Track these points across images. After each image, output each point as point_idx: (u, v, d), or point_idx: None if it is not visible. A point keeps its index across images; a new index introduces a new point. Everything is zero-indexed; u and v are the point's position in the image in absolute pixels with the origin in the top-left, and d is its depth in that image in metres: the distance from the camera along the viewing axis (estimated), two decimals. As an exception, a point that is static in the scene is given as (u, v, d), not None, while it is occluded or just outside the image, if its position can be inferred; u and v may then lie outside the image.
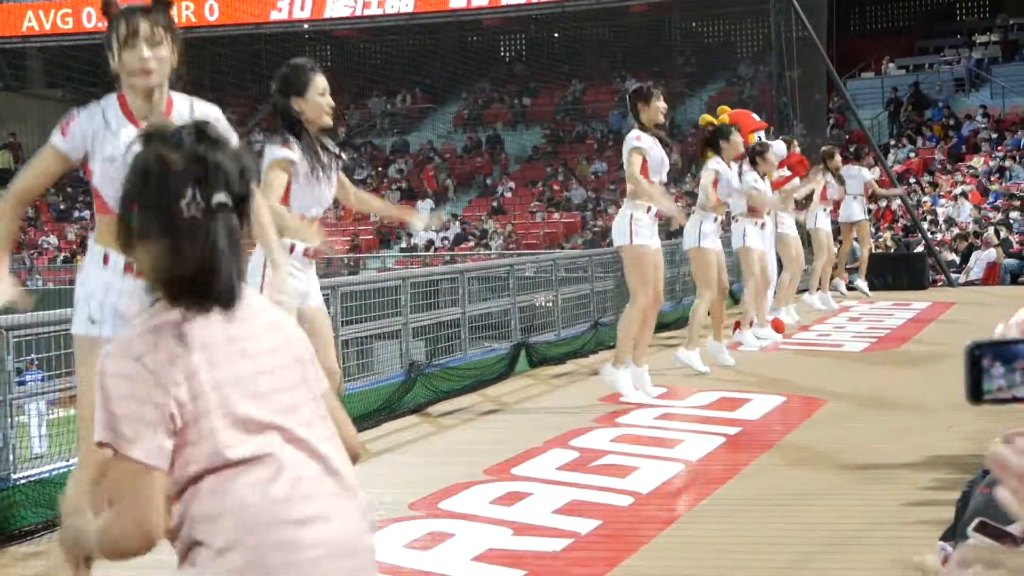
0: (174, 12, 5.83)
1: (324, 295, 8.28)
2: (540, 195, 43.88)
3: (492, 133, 47.98)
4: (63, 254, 43.24)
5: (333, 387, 4.01)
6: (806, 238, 19.67)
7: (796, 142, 19.34)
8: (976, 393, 2.23)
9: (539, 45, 50.22)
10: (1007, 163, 34.94)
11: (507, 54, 52.29)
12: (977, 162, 36.01)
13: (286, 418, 3.17)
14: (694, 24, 48.16)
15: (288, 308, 6.49)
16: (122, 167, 5.04)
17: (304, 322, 6.75)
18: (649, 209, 11.71)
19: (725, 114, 15.62)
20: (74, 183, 45.02)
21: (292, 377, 3.24)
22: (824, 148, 20.37)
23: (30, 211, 46.79)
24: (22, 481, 8.26)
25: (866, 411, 11.28)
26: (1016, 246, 27.31)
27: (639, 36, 46.60)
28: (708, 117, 16.08)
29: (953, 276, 25.93)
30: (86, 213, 43.05)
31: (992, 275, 26.02)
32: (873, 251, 22.42)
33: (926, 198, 34.10)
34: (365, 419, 11.06)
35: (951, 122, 39.11)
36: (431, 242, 42.12)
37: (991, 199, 32.85)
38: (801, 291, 19.51)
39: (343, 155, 7.72)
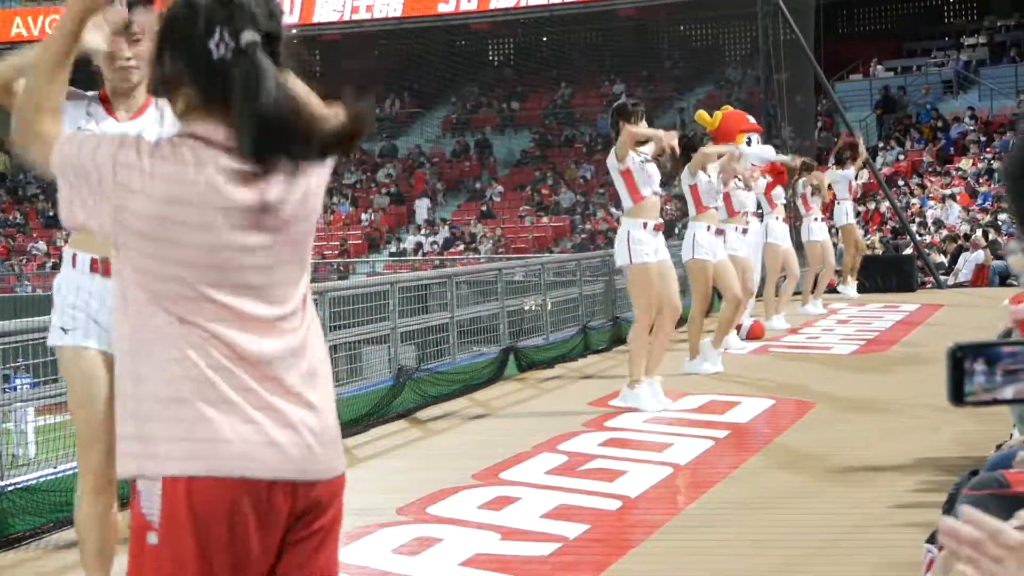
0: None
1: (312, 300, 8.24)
2: (529, 199, 43.88)
3: (481, 137, 47.96)
4: (52, 260, 43.15)
5: None
6: (800, 249, 19.74)
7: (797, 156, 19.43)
8: (958, 395, 2.23)
9: (527, 49, 50.20)
10: (995, 165, 34.96)
11: (495, 58, 52.27)
12: (965, 164, 36.05)
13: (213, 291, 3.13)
14: (682, 28, 48.14)
15: None
16: None
17: None
18: (646, 224, 11.71)
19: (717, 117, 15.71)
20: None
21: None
22: (802, 160, 20.38)
23: (19, 217, 46.76)
24: (10, 488, 8.24)
25: (854, 414, 11.29)
26: (1004, 248, 27.33)
27: (627, 40, 46.60)
28: (704, 114, 16.12)
29: (942, 278, 25.97)
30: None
31: (981, 277, 26.03)
32: (859, 254, 22.37)
33: (915, 200, 34.15)
34: (354, 424, 11.05)
35: (939, 124, 39.14)
36: (419, 245, 42.11)
37: (979, 201, 32.89)
38: (796, 294, 19.58)
39: None
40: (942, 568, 2.41)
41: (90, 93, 5.77)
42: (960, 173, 35.58)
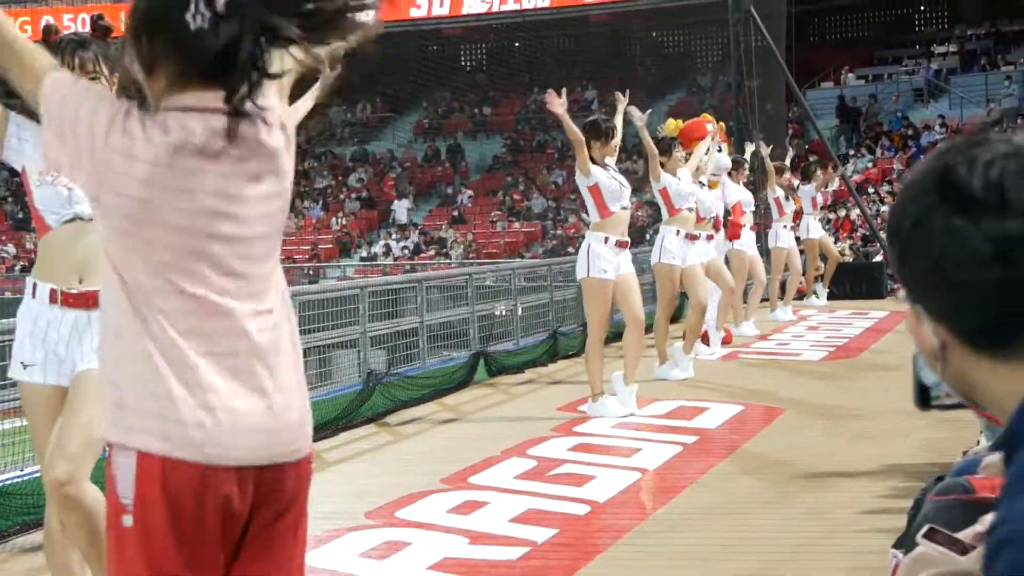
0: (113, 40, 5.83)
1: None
2: (500, 204, 43.89)
3: (452, 142, 47.96)
4: (21, 263, 43.00)
5: None
6: (766, 255, 19.81)
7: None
8: (923, 399, 2.25)
9: (500, 54, 50.21)
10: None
11: (467, 63, 52.30)
12: (935, 172, 36.15)
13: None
14: (654, 34, 48.23)
15: None
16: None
17: None
18: (607, 239, 11.73)
19: (677, 125, 15.77)
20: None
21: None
22: (773, 164, 20.43)
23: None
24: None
25: (823, 420, 11.32)
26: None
27: (600, 46, 46.67)
28: (673, 122, 16.17)
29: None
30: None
31: (950, 285, 26.11)
32: (834, 263, 22.39)
33: (884, 208, 34.25)
34: (323, 428, 11.03)
35: (910, 132, 39.28)
36: (389, 248, 42.06)
37: (949, 209, 32.98)
38: (764, 300, 19.63)
39: None
40: (906, 574, 2.42)
41: None
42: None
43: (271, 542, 3.26)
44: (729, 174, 18.30)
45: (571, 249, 36.10)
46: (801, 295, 21.73)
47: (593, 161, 11.81)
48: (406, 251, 42.02)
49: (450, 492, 8.80)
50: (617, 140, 12.10)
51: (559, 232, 40.36)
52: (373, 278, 20.04)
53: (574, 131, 11.83)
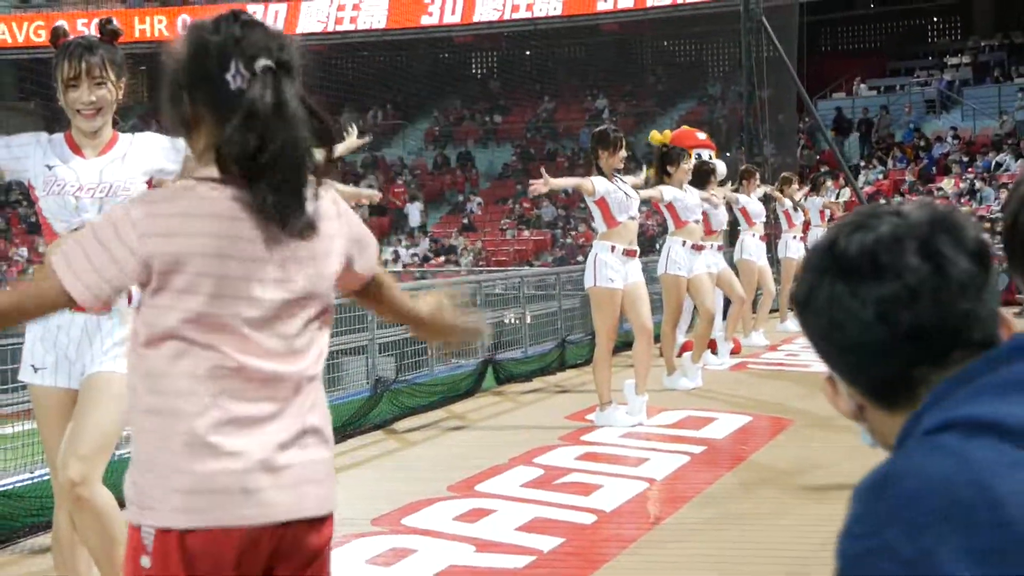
0: (120, 45, 5.84)
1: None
2: (510, 212, 43.91)
3: (463, 150, 48.00)
4: (34, 266, 43.06)
5: None
6: (776, 265, 19.80)
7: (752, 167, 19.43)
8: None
9: (511, 63, 50.26)
10: (977, 185, 35.05)
11: (479, 71, 52.35)
12: (948, 184, 36.12)
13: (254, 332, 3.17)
14: (665, 43, 48.28)
15: None
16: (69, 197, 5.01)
17: None
18: (614, 248, 11.72)
19: (665, 137, 15.76)
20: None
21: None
22: (783, 175, 20.43)
23: (1, 223, 46.68)
24: (-12, 493, 8.23)
25: (831, 431, 11.29)
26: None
27: (610, 55, 46.70)
28: (657, 135, 16.14)
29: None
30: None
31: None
32: None
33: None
34: (330, 434, 11.01)
35: (922, 143, 39.24)
36: (398, 255, 42.10)
37: (960, 221, 32.91)
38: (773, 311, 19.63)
39: None
40: None
41: (54, 136, 5.80)
42: (942, 193, 35.64)
43: None
44: (740, 183, 18.33)
45: (580, 258, 36.11)
46: None
47: (600, 171, 11.80)
48: (416, 258, 42.03)
49: (457, 500, 8.80)
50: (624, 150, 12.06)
51: (568, 241, 40.36)
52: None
53: (570, 185, 11.89)
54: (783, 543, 7.66)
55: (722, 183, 17.11)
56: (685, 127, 17.78)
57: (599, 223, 11.88)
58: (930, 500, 1.73)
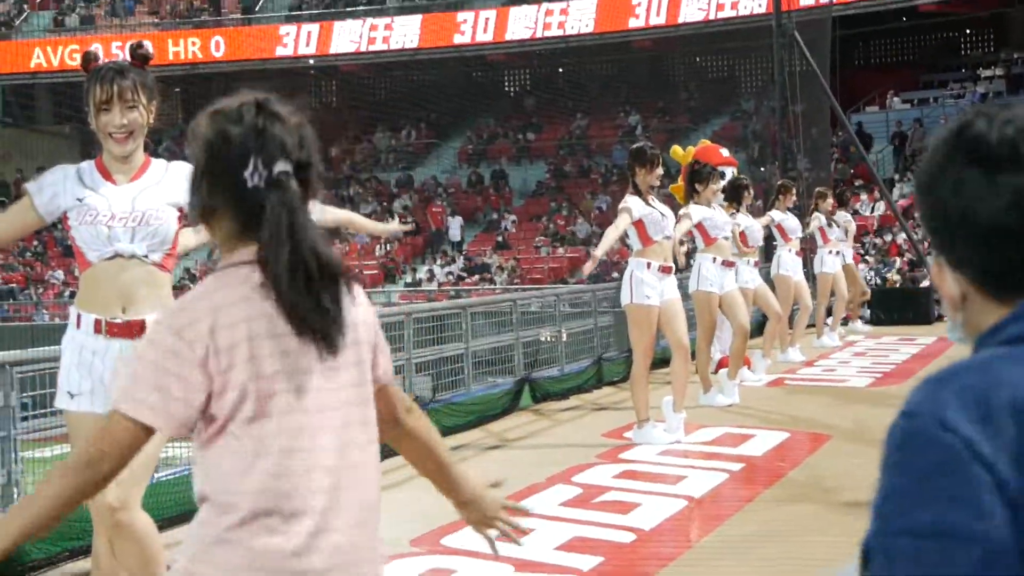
0: (150, 69, 5.87)
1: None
2: (544, 230, 43.91)
3: (497, 168, 48.05)
4: (70, 288, 43.26)
5: None
6: (812, 280, 19.75)
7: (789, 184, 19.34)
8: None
9: (543, 80, 50.34)
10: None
11: (511, 89, 52.40)
12: (982, 196, 35.97)
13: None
14: (697, 59, 48.25)
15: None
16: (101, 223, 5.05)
17: None
18: (650, 265, 11.71)
19: (689, 154, 15.75)
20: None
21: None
22: (817, 190, 20.39)
23: (37, 246, 46.91)
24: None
25: (870, 447, 11.23)
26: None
27: (643, 71, 46.72)
28: (677, 149, 16.14)
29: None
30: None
31: (997, 310, 25.95)
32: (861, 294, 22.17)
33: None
34: (368, 455, 11.02)
35: (956, 156, 39.09)
36: (433, 273, 42.16)
37: (997, 233, 32.77)
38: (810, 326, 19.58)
39: None
40: None
41: (83, 164, 5.82)
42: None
43: None
44: (776, 199, 18.31)
45: (616, 275, 36.09)
46: (847, 320, 21.66)
47: (637, 188, 11.79)
48: (451, 277, 42.07)
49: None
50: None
51: (603, 258, 40.31)
52: (418, 304, 20.06)
53: (614, 238, 11.85)
54: (823, 560, 7.64)
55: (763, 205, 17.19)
56: (708, 143, 17.75)
57: (635, 241, 11.86)
58: (995, 396, 1.80)
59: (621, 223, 11.74)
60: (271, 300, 3.11)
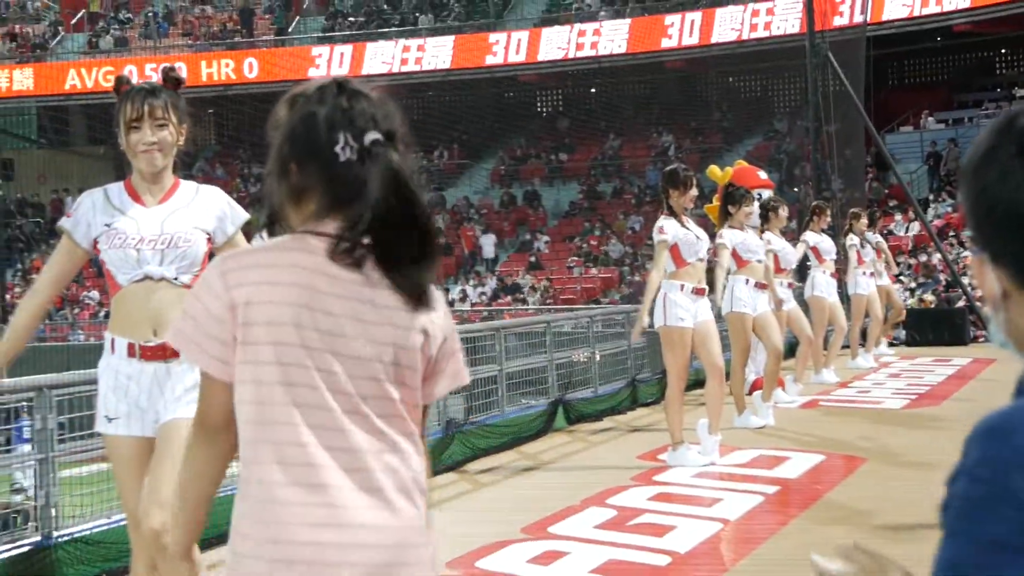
0: (181, 91, 5.88)
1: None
2: (577, 250, 43.91)
3: (529, 188, 48.07)
4: (105, 309, 43.41)
5: None
6: (846, 301, 19.70)
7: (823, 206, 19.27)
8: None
9: (576, 101, 50.35)
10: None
11: (544, 109, 52.44)
12: (1017, 216, 35.83)
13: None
14: (730, 79, 48.21)
15: None
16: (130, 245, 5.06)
17: None
18: (683, 287, 11.70)
19: (727, 175, 15.70)
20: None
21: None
22: (851, 211, 20.35)
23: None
24: (64, 538, 8.28)
25: (906, 469, 11.22)
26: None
27: (675, 91, 46.70)
28: (715, 169, 16.10)
29: (994, 331, 25.74)
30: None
31: (1033, 330, 25.84)
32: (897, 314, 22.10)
33: (966, 253, 33.97)
34: (403, 477, 11.02)
35: (991, 176, 38.97)
36: (465, 294, 42.18)
37: (1032, 253, 32.63)
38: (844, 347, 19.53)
39: None
40: None
41: (111, 186, 5.85)
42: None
43: None
44: (811, 220, 18.28)
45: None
46: (890, 343, 21.65)
47: (671, 210, 11.78)
48: (483, 297, 42.10)
49: (530, 542, 8.78)
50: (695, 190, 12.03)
51: (636, 278, 40.30)
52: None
53: (656, 284, 11.82)
54: (860, 584, 7.59)
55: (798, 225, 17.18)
56: (744, 164, 17.69)
57: (668, 264, 11.85)
58: None
59: (661, 262, 11.74)
60: (324, 275, 3.11)
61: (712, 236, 13.36)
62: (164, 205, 5.78)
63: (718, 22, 43.61)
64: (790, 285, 15.87)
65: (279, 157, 3.22)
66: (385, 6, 52.23)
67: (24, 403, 8.68)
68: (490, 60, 46.67)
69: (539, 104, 52.30)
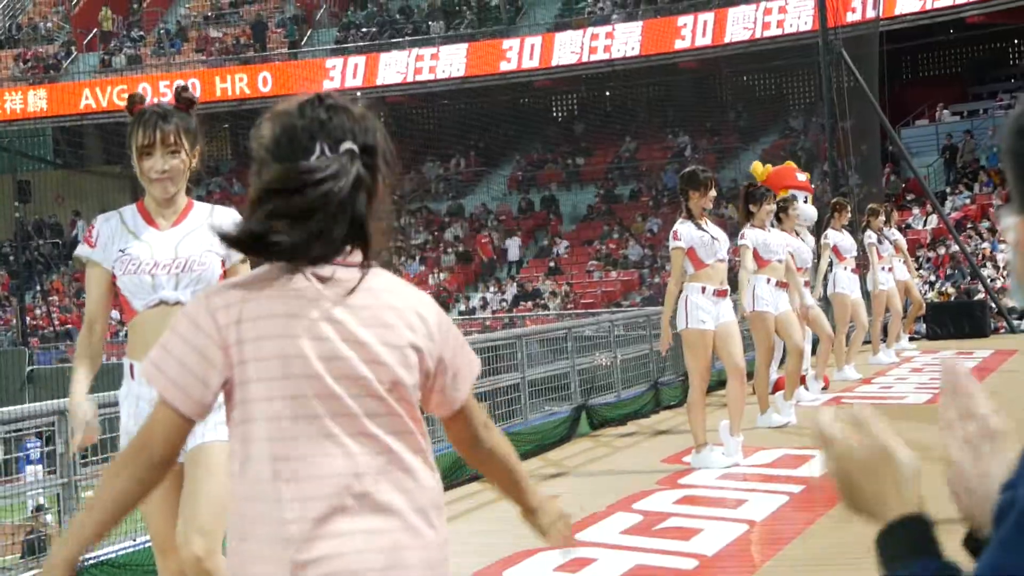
0: (194, 112, 5.86)
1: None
2: (596, 254, 43.91)
3: (547, 194, 48.09)
4: (124, 328, 43.44)
5: None
6: (867, 298, 19.65)
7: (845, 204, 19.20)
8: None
9: (591, 104, 50.34)
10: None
11: (559, 114, 52.45)
12: (1036, 205, 35.75)
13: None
14: (744, 78, 48.15)
15: None
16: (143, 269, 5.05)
17: None
18: (704, 289, 11.69)
19: (766, 171, 15.69)
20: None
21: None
22: (869, 207, 20.29)
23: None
24: (91, 561, 8.29)
25: (931, 464, 11.14)
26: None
27: (690, 92, 46.65)
28: (758, 165, 16.09)
29: (1015, 323, 25.73)
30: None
31: (1055, 321, 25.80)
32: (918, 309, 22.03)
33: (985, 244, 33.91)
34: (428, 488, 11.02)
35: (1007, 167, 38.89)
36: (486, 301, 42.22)
37: (1052, 243, 32.55)
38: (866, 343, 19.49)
39: None
40: None
41: (125, 209, 5.83)
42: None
43: None
44: (832, 217, 18.25)
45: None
46: (911, 336, 21.59)
47: (689, 212, 11.78)
48: (504, 304, 42.11)
49: (556, 550, 8.74)
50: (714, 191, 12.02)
51: (656, 280, 40.30)
52: (473, 334, 20.07)
53: (675, 291, 11.82)
54: (888, 582, 7.57)
55: (818, 223, 17.17)
56: (790, 163, 17.61)
57: (688, 266, 11.84)
58: None
59: (676, 269, 11.74)
60: (311, 300, 3.11)
61: (732, 235, 13.35)
62: (177, 228, 5.75)
63: (731, 22, 43.58)
64: (806, 284, 15.80)
65: (259, 169, 3.23)
66: (397, 16, 52.28)
67: (45, 428, 8.70)
68: (504, 66, 46.68)
69: (554, 109, 52.31)
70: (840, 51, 25.90)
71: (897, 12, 40.01)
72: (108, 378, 6.83)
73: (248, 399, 3.12)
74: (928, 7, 40.60)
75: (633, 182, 47.41)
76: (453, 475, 11.73)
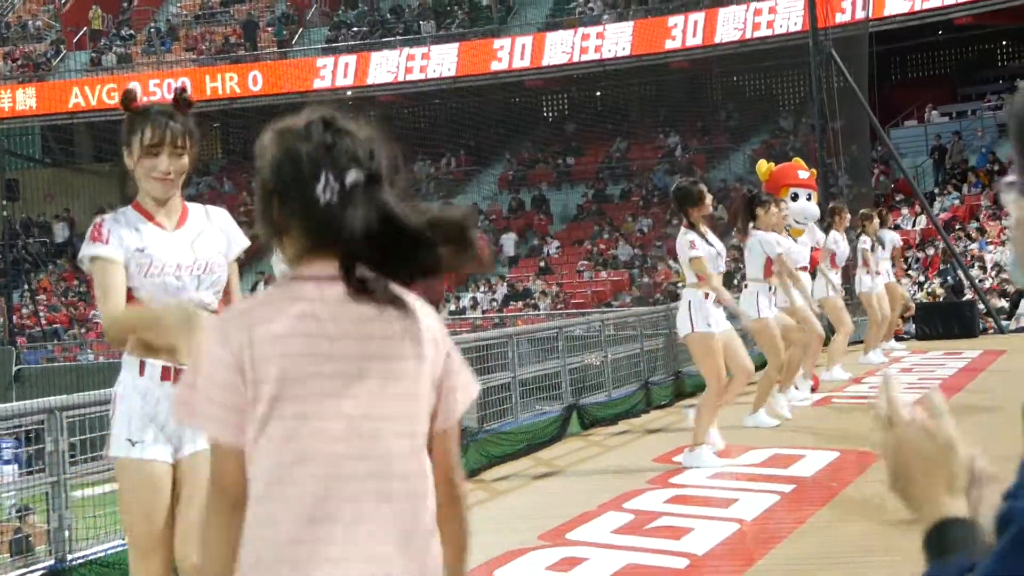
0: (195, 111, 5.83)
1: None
2: (587, 253, 43.91)
3: (537, 193, 48.09)
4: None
5: None
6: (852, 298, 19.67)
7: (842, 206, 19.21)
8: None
9: (582, 104, 50.37)
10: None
11: (550, 114, 52.45)
12: (1025, 206, 35.75)
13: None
14: (735, 78, 48.18)
15: None
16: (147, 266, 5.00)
17: None
18: (707, 295, 11.72)
19: (770, 168, 15.66)
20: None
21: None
22: (861, 212, 20.28)
23: (80, 285, 47.16)
24: (78, 561, 8.28)
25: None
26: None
27: (681, 92, 46.67)
28: (763, 164, 16.06)
29: (1003, 323, 25.77)
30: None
31: (1043, 321, 25.86)
32: (905, 311, 22.06)
33: (973, 245, 33.95)
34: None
35: (996, 168, 38.93)
36: (476, 301, 42.20)
37: (1040, 244, 32.58)
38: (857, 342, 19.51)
39: None
40: None
41: (121, 210, 5.76)
42: (1020, 216, 35.25)
43: None
44: (833, 220, 18.24)
45: (659, 296, 36.09)
46: (899, 336, 21.61)
47: (692, 225, 11.81)
48: (494, 304, 42.09)
49: (548, 549, 8.78)
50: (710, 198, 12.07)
51: (647, 280, 40.31)
52: (463, 334, 20.06)
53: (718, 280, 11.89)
54: (879, 581, 7.60)
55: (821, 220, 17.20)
56: (797, 160, 17.52)
57: (689, 274, 11.88)
58: None
59: (706, 270, 11.75)
60: (319, 320, 3.10)
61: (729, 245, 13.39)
62: (185, 229, 5.69)
63: (721, 22, 43.63)
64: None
65: (263, 190, 3.21)
66: (388, 15, 52.28)
67: (35, 426, 8.67)
68: (495, 66, 46.68)
69: (545, 109, 52.31)
70: (830, 52, 25.93)
71: (886, 13, 40.04)
72: (99, 376, 6.81)
73: (271, 417, 3.10)
74: (917, 8, 40.66)
75: (624, 182, 47.41)
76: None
